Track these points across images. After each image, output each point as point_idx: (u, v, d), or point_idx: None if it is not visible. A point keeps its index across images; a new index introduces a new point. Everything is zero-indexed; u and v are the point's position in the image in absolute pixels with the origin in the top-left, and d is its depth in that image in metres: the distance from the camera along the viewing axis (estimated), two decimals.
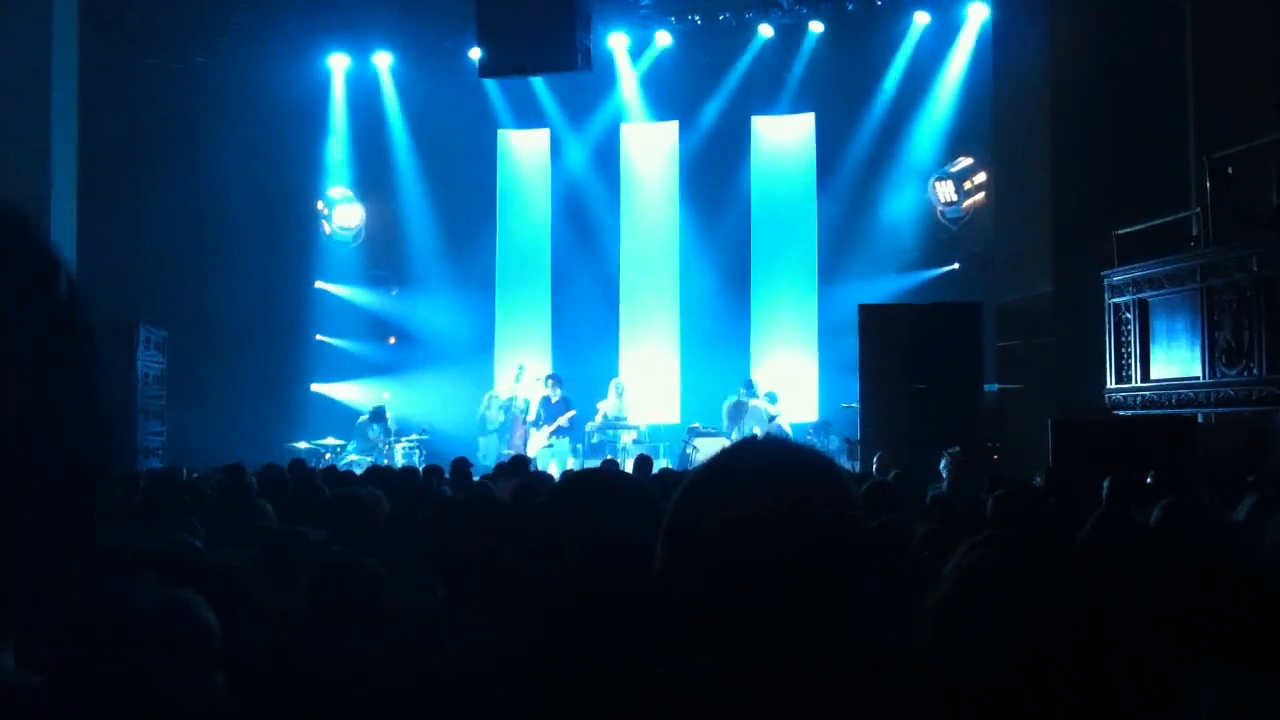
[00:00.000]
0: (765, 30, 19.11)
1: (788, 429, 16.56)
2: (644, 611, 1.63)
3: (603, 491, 2.17)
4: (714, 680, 1.47)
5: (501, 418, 18.41)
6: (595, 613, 1.99)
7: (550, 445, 17.25)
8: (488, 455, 17.26)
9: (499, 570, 2.85)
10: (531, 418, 18.02)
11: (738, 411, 17.03)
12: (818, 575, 1.47)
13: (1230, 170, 11.25)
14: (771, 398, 17.32)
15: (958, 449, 10.97)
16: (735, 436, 16.41)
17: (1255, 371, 10.57)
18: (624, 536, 1.89)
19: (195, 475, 10.41)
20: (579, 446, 17.70)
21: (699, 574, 1.50)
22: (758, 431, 15.81)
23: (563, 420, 17.45)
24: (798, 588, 1.46)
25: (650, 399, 19.00)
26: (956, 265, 18.12)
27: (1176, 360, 11.55)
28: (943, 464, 10.47)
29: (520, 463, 11.18)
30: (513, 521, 3.01)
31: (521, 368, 18.87)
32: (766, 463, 1.57)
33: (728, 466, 1.59)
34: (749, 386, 17.46)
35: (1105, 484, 7.22)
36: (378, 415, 18.02)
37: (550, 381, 17.89)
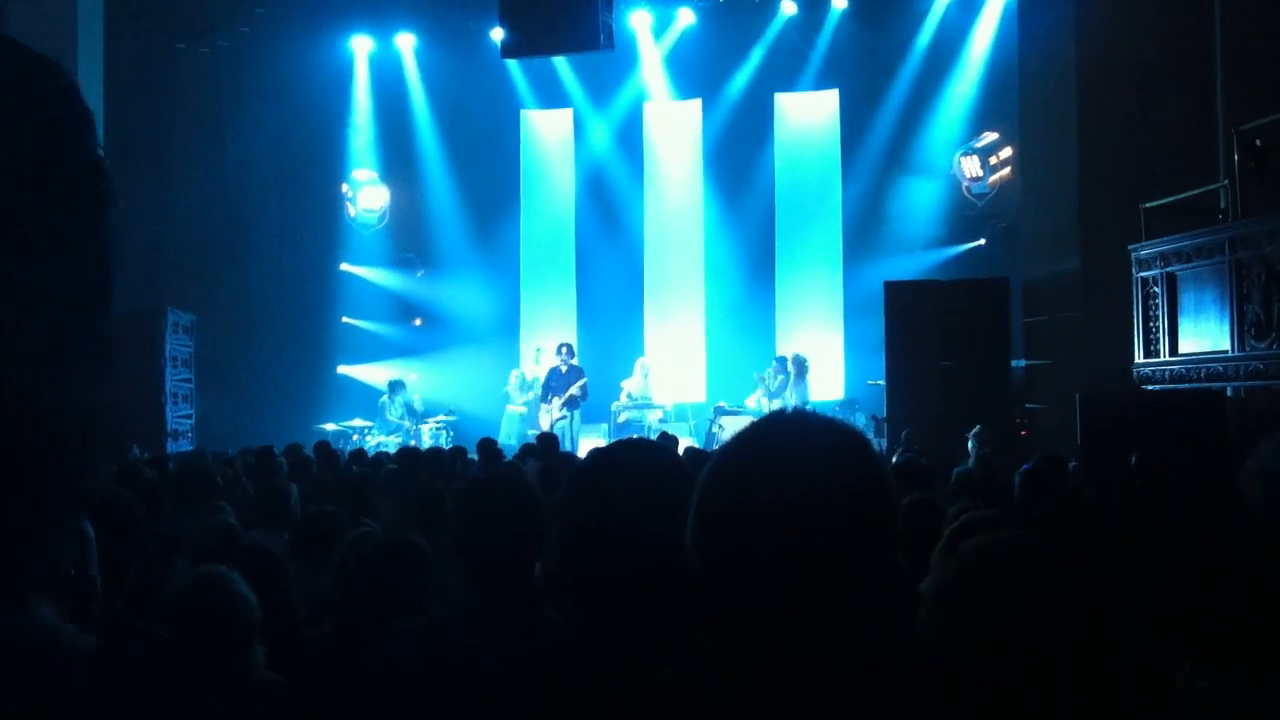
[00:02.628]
0: (788, 7, 19.02)
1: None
2: (673, 598, 1.60)
3: (632, 472, 2.11)
4: (721, 681, 1.44)
5: (523, 397, 18.41)
6: (619, 600, 1.95)
7: (564, 418, 16.95)
8: (509, 435, 17.26)
9: (523, 554, 2.84)
10: (538, 393, 17.93)
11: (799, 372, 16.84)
12: (853, 557, 1.42)
13: (1259, 142, 11.15)
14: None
15: (980, 427, 10.94)
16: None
17: None
18: (655, 519, 1.84)
19: (212, 455, 10.51)
20: (604, 426, 17.66)
21: (731, 557, 1.44)
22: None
23: (574, 390, 17.13)
24: (832, 570, 1.41)
25: (676, 378, 19.00)
26: (983, 241, 18.05)
27: (1205, 334, 11.46)
28: (970, 443, 10.45)
29: (548, 442, 11.21)
30: (537, 502, 2.99)
31: (540, 350, 18.85)
32: (800, 439, 1.50)
33: (759, 442, 1.52)
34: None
35: (1132, 460, 7.19)
36: (395, 387, 18.07)
37: (562, 350, 17.60)
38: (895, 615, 1.48)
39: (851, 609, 1.43)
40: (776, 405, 16.46)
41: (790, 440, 1.50)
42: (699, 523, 1.48)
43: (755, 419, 1.67)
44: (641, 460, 2.12)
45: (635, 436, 13.77)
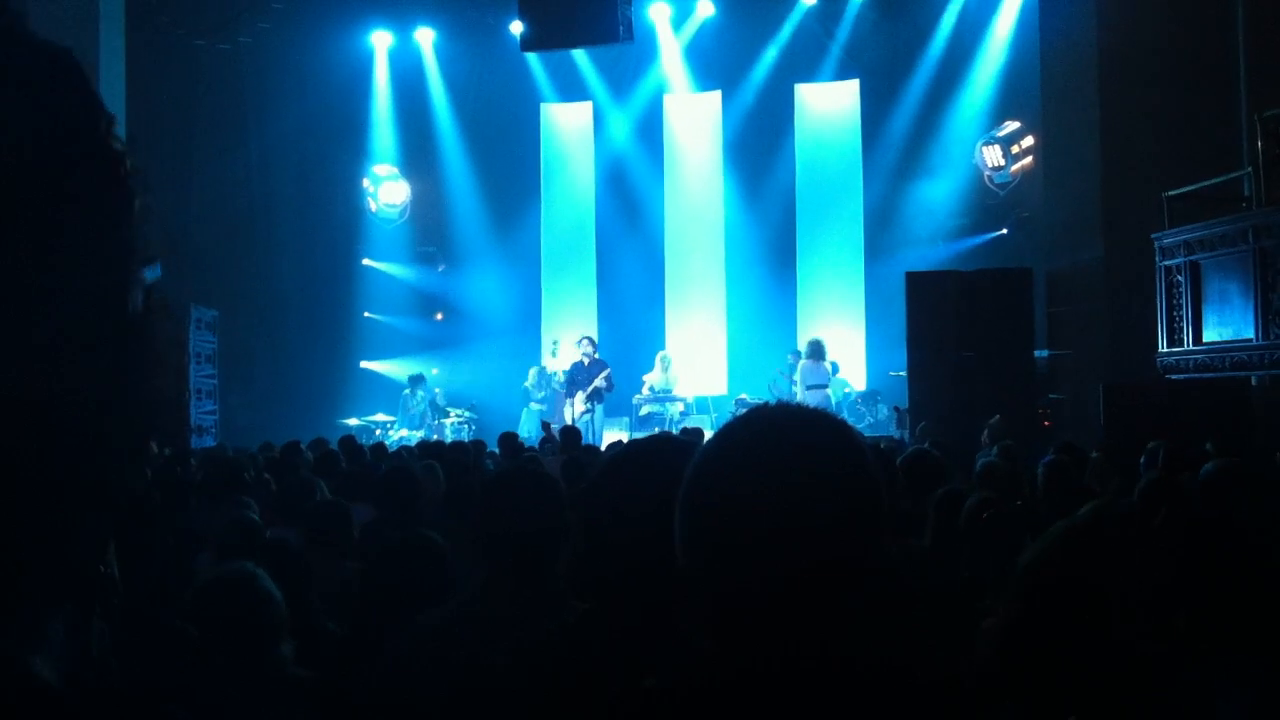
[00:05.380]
0: None
1: (830, 399, 16.34)
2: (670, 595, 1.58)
3: (657, 466, 2.09)
4: (714, 681, 1.42)
5: (544, 393, 18.43)
6: (637, 595, 1.93)
7: (588, 411, 16.83)
8: (529, 430, 17.25)
9: (542, 547, 2.82)
10: (556, 388, 17.91)
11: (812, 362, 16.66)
12: (838, 551, 1.40)
13: None
14: (834, 367, 17.21)
15: (997, 418, 10.89)
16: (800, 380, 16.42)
17: None
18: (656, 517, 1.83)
19: (234, 451, 10.56)
20: (626, 420, 17.65)
21: (715, 554, 1.42)
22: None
23: (598, 381, 16.97)
24: (816, 565, 1.38)
25: (697, 370, 18.99)
26: (1005, 231, 17.96)
27: (1229, 323, 11.41)
28: (985, 434, 10.41)
29: (570, 436, 11.21)
30: (558, 495, 2.98)
31: (556, 342, 18.85)
32: (781, 432, 1.47)
33: (740, 437, 1.49)
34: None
35: (1160, 451, 7.16)
36: (416, 380, 18.11)
37: (584, 343, 17.46)
38: (889, 611, 1.46)
39: (841, 606, 1.40)
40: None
41: (771, 434, 1.48)
42: (684, 519, 1.46)
43: (737, 413, 1.64)
44: (668, 454, 2.10)
45: (663, 432, 13.74)
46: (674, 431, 13.80)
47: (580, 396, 16.94)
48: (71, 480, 0.78)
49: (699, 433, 12.10)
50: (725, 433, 1.53)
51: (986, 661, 1.98)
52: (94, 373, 0.79)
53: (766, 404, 1.59)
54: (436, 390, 18.48)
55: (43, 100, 0.80)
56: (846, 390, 17.67)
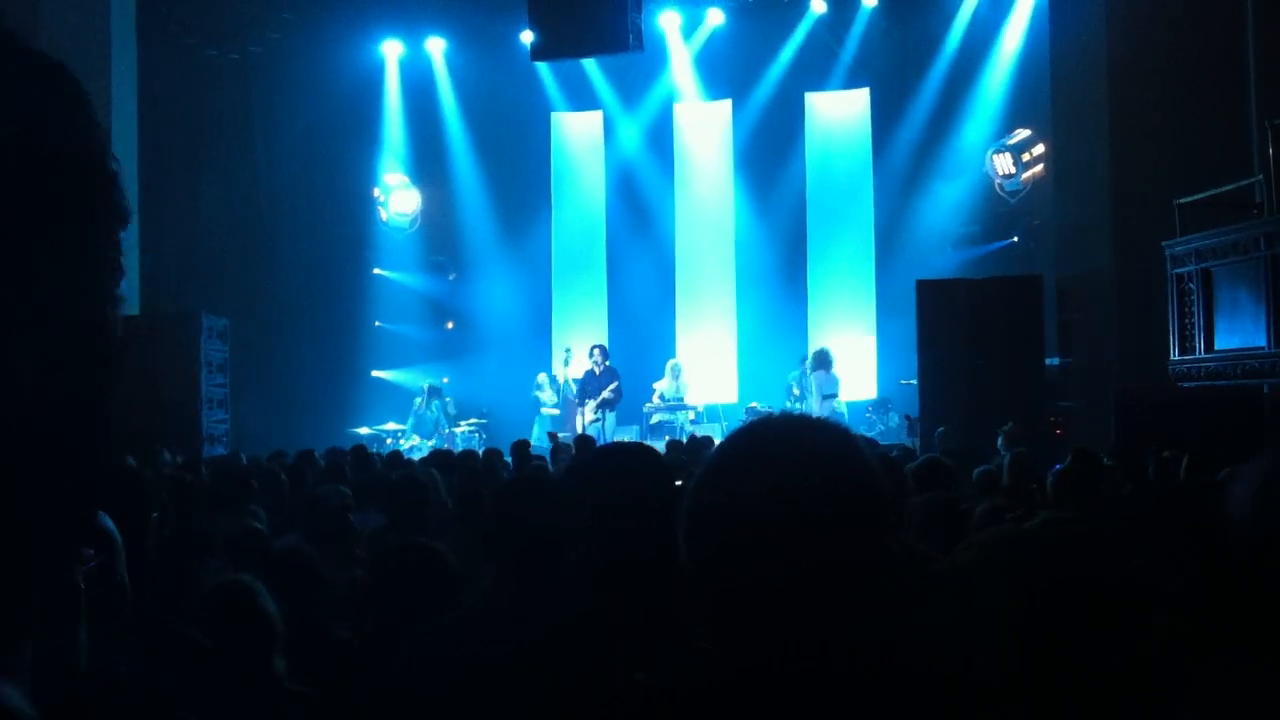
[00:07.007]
0: (818, 5, 18.94)
1: (843, 410, 16.39)
2: (668, 595, 1.59)
3: (615, 468, 2.12)
4: (715, 680, 1.44)
5: (554, 399, 18.42)
6: (612, 594, 1.94)
7: (597, 420, 16.80)
8: (540, 438, 17.23)
9: (547, 548, 2.86)
10: (567, 395, 17.91)
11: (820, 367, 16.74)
12: (838, 554, 1.42)
13: None
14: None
15: (1011, 425, 10.87)
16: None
17: None
18: (640, 514, 1.84)
19: (248, 459, 10.57)
20: (636, 428, 17.61)
21: (718, 556, 1.46)
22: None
23: (606, 393, 16.97)
24: (817, 568, 1.41)
25: (708, 379, 18.96)
26: (1016, 239, 17.93)
27: (1241, 330, 11.36)
28: (999, 440, 10.38)
29: (584, 444, 11.20)
30: (560, 499, 3.01)
31: (569, 350, 18.85)
32: (785, 439, 1.51)
33: (745, 444, 1.54)
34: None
35: (1171, 458, 7.15)
36: (434, 392, 18.12)
37: (595, 353, 17.47)
38: (892, 611, 1.47)
39: (841, 605, 1.42)
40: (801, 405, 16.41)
41: (775, 437, 1.52)
42: (688, 518, 1.50)
43: (745, 422, 1.67)
44: (638, 460, 2.13)
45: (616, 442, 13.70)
46: (681, 440, 13.80)
47: (590, 405, 16.94)
48: (46, 500, 0.74)
49: (709, 440, 12.10)
50: (732, 438, 1.58)
51: (987, 661, 1.98)
52: (75, 390, 0.76)
53: (773, 413, 1.62)
54: (448, 399, 18.49)
55: (40, 115, 0.78)
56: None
